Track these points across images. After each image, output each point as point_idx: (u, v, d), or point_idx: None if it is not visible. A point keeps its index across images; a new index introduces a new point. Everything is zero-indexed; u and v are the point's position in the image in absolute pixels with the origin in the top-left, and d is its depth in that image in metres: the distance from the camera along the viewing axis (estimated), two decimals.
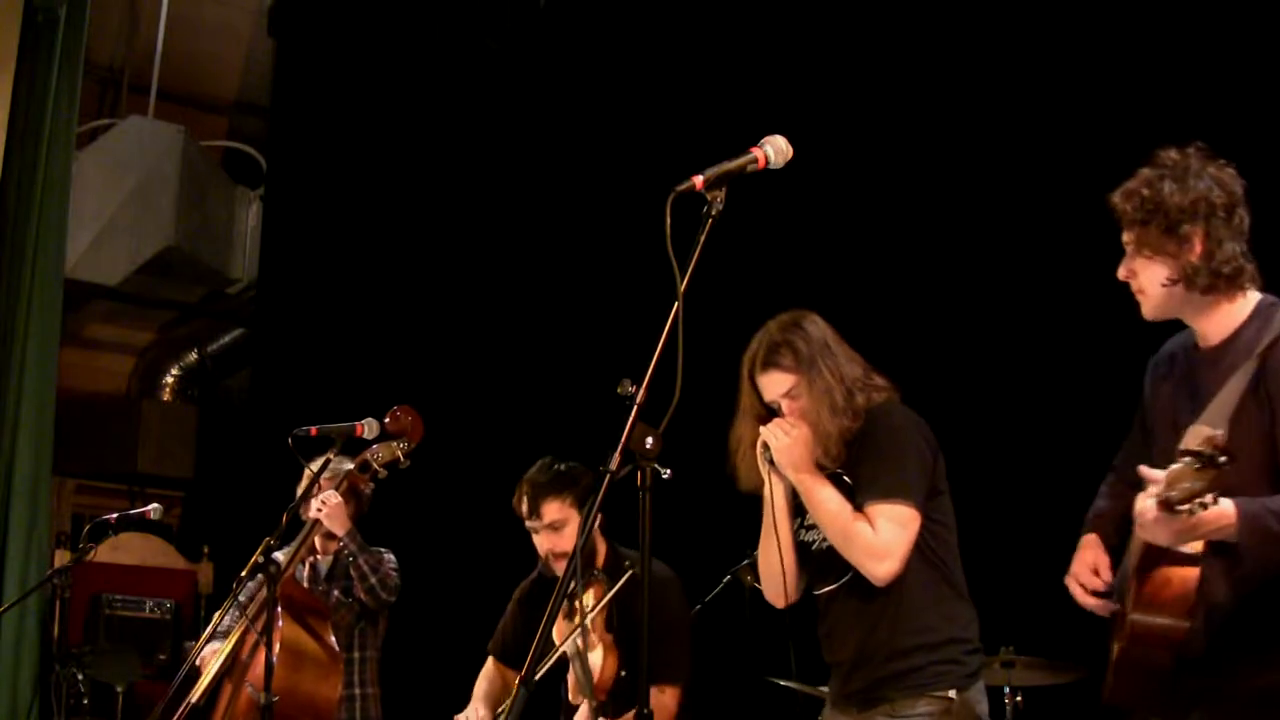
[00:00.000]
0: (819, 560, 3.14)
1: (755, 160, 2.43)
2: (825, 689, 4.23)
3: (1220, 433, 2.14)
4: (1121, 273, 2.62)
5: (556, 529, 3.79)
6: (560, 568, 3.80)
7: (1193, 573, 2.39)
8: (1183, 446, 2.17)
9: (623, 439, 2.26)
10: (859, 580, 3.02)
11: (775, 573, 3.16)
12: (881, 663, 3.00)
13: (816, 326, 3.15)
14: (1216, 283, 2.51)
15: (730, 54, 6.16)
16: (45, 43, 6.98)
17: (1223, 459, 2.09)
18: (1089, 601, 2.69)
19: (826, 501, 3.02)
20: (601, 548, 3.86)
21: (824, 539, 3.10)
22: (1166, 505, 2.15)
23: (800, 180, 2.86)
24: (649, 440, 2.28)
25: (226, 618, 4.23)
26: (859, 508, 3.00)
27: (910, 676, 2.97)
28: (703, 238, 2.32)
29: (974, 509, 3.26)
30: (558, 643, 3.59)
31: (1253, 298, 2.57)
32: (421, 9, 7.60)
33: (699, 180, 2.33)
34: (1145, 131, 4.71)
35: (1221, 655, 2.43)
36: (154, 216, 8.77)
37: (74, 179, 7.33)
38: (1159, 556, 2.42)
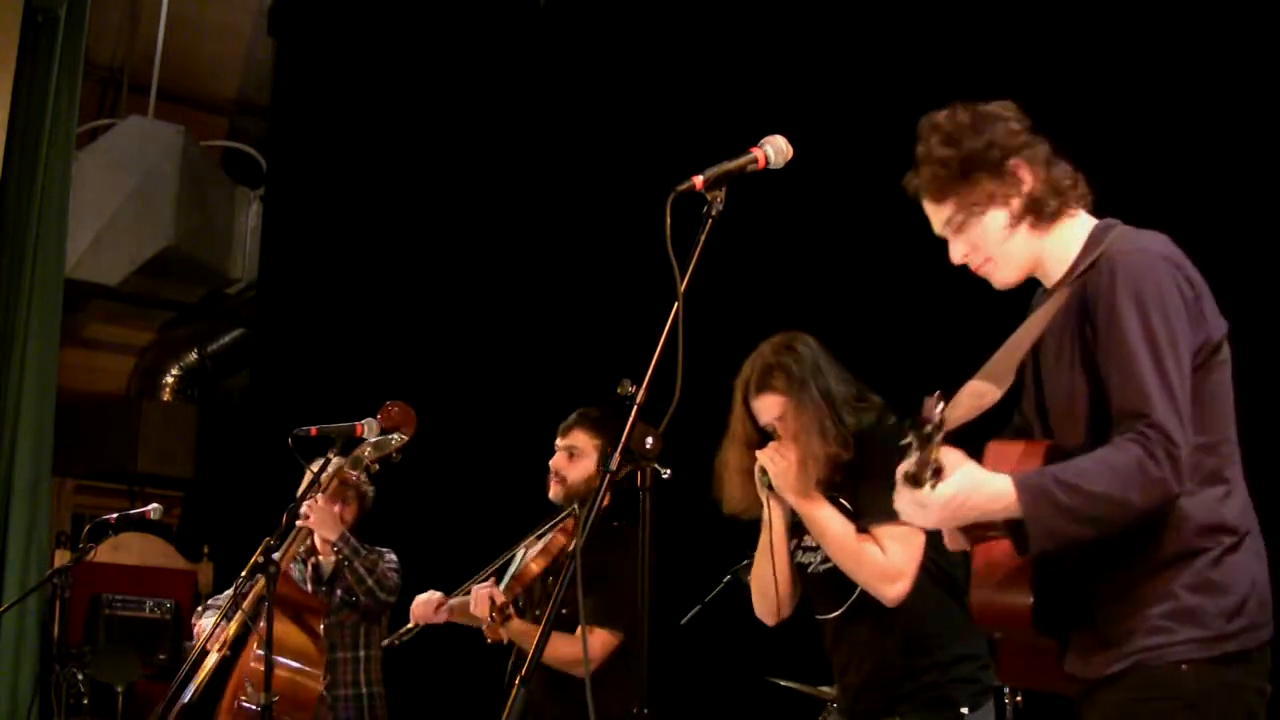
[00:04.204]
0: (818, 583, 3.12)
1: (755, 160, 2.42)
2: (825, 689, 4.25)
3: (937, 405, 2.02)
4: (957, 256, 2.42)
5: (572, 455, 4.01)
6: (555, 490, 4.00)
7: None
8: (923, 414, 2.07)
9: (623, 439, 2.26)
10: (864, 603, 3.01)
11: (770, 594, 3.15)
12: (895, 683, 2.99)
13: (808, 348, 3.12)
14: (1064, 201, 2.33)
15: (730, 54, 6.16)
16: (45, 43, 6.99)
17: (929, 428, 2.01)
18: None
19: (830, 524, 3.00)
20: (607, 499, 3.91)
21: (821, 562, 3.09)
22: (906, 480, 2.07)
23: (800, 180, 2.86)
24: (649, 440, 2.29)
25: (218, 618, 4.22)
26: (862, 530, 2.99)
27: (923, 694, 2.97)
28: (703, 238, 2.32)
29: None
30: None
31: (1085, 221, 2.38)
32: (421, 9, 7.60)
33: (699, 180, 2.33)
34: (1150, 140, 4.75)
35: (1068, 636, 2.29)
36: (154, 216, 8.78)
37: (74, 179, 7.34)
38: (985, 525, 2.25)
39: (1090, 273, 2.26)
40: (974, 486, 2.13)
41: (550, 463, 4.04)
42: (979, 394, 2.25)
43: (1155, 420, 2.11)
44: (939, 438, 2.04)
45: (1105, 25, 4.99)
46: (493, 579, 3.94)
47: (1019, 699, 4.27)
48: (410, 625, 4.12)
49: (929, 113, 2.46)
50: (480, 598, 3.79)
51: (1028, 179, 2.34)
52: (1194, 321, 2.21)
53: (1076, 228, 2.37)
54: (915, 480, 2.07)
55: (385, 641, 4.27)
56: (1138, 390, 2.14)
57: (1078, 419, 2.26)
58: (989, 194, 2.34)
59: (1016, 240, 2.36)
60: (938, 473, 2.06)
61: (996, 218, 2.36)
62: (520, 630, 3.75)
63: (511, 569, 3.98)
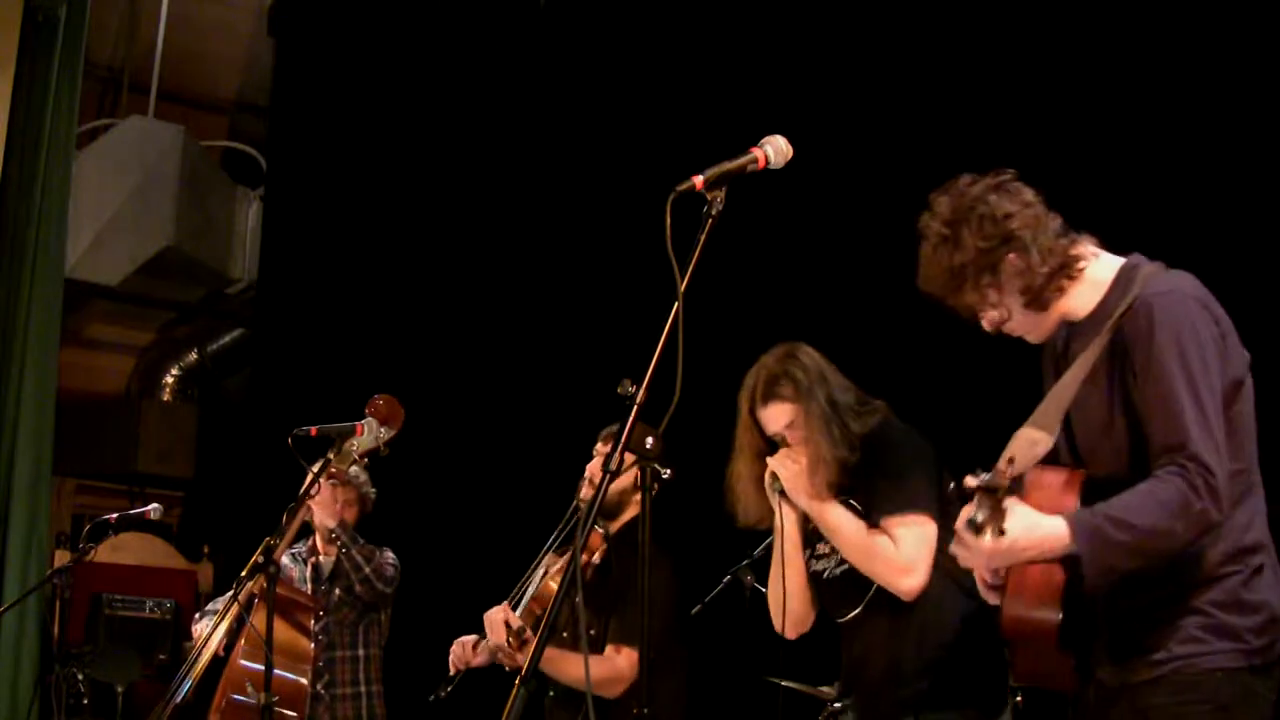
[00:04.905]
0: (834, 588, 3.14)
1: (755, 160, 2.43)
2: (825, 689, 4.25)
3: (1008, 466, 2.16)
4: (988, 328, 2.58)
5: None
6: (588, 493, 3.89)
7: (1056, 565, 2.37)
8: (1001, 460, 2.19)
9: (623, 439, 2.26)
10: (879, 600, 3.02)
11: (790, 604, 3.18)
12: (911, 680, 3.00)
13: (810, 357, 3.17)
14: (1054, 281, 2.47)
15: (730, 54, 6.16)
16: (45, 43, 6.98)
17: (999, 491, 2.13)
18: (986, 595, 2.65)
19: (843, 523, 3.03)
20: (628, 514, 3.90)
21: (836, 567, 3.11)
22: (970, 526, 2.17)
23: (801, 180, 2.86)
24: (649, 440, 2.29)
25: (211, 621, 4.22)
26: (874, 525, 3.00)
27: (937, 692, 2.98)
28: (703, 238, 2.32)
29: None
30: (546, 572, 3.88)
31: (1109, 263, 2.51)
32: (421, 9, 7.60)
33: (699, 180, 2.34)
34: (1154, 140, 4.74)
35: (1091, 648, 2.44)
36: (154, 216, 8.77)
37: (74, 179, 7.33)
38: None
39: (1127, 316, 2.36)
40: (1029, 529, 2.24)
41: (588, 466, 3.96)
42: (1033, 442, 2.31)
43: (1193, 452, 2.24)
44: (1008, 498, 2.16)
45: (1106, 26, 4.99)
46: (506, 604, 3.86)
47: (1019, 699, 4.26)
48: (453, 673, 4.01)
49: (919, 217, 2.57)
50: (495, 623, 3.70)
51: (1024, 266, 2.45)
52: (1223, 358, 2.35)
53: (1096, 271, 2.49)
54: (978, 529, 2.16)
55: (431, 696, 4.09)
56: (1177, 425, 2.27)
57: (1118, 452, 2.38)
58: (992, 292, 2.48)
59: (1034, 314, 2.51)
60: (1001, 531, 2.17)
61: (1009, 304, 2.50)
62: (547, 655, 3.53)
63: (530, 590, 3.91)
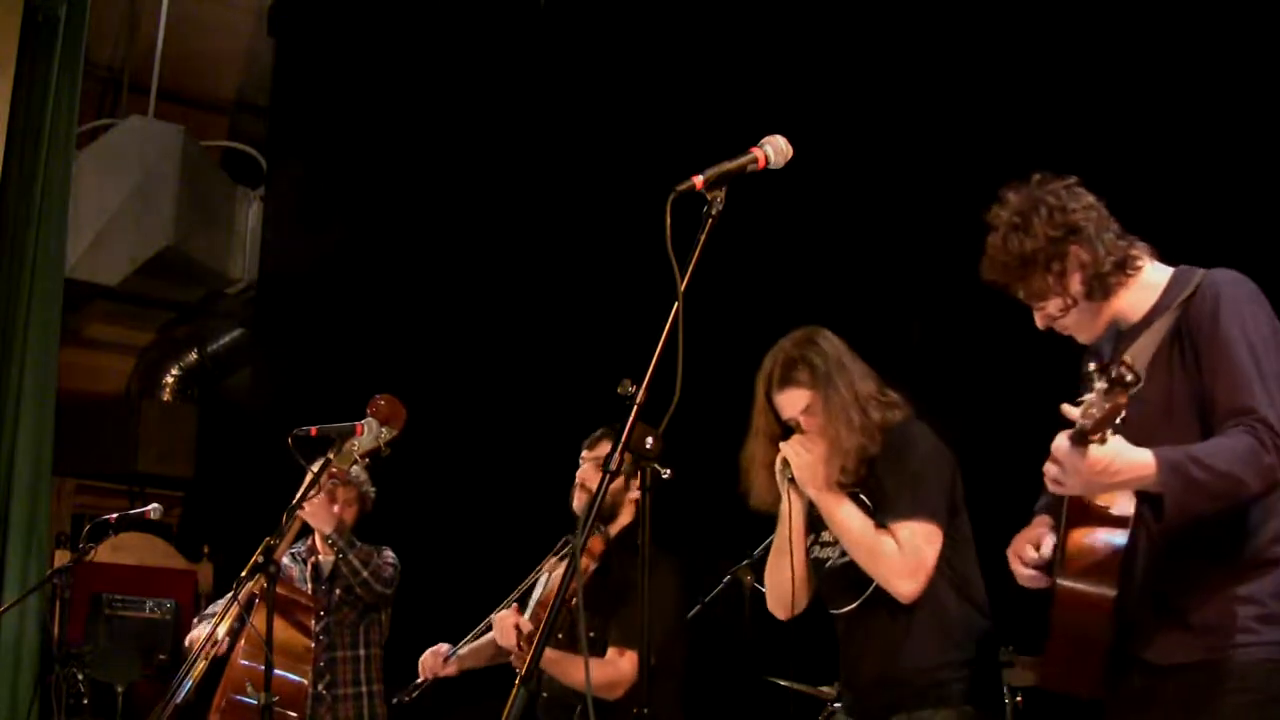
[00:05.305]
0: (835, 578, 3.12)
1: (755, 160, 2.44)
2: (825, 689, 4.25)
3: (1130, 360, 2.16)
4: (1041, 324, 2.70)
5: (599, 468, 3.91)
6: (581, 500, 3.91)
7: (1119, 535, 2.39)
8: (1126, 358, 2.20)
9: (622, 439, 2.26)
10: (878, 597, 3.01)
11: (786, 588, 3.17)
12: (905, 680, 2.99)
13: (830, 342, 3.14)
14: (1116, 274, 2.60)
15: (730, 54, 6.16)
16: (45, 43, 6.98)
17: (1130, 378, 2.10)
18: (1023, 573, 2.66)
19: (849, 519, 3.02)
20: (624, 518, 3.90)
21: (840, 556, 3.09)
22: (1078, 436, 2.17)
23: (800, 180, 2.86)
24: (649, 440, 2.29)
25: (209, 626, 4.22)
26: (880, 525, 3.00)
27: (931, 691, 2.97)
28: (703, 237, 2.33)
29: (974, 509, 3.26)
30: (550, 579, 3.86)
31: (1162, 269, 2.65)
32: (421, 9, 7.60)
33: (699, 180, 2.34)
34: (1156, 135, 4.73)
35: (1139, 628, 2.47)
36: (154, 216, 8.78)
37: (74, 179, 7.34)
38: (1084, 515, 2.42)
39: (1193, 299, 2.51)
40: (1120, 453, 2.27)
41: (578, 474, 3.97)
42: None
43: (1261, 415, 2.34)
44: (1133, 391, 2.15)
45: (1113, 29, 4.98)
46: (515, 606, 3.85)
47: (1019, 699, 4.27)
48: (420, 680, 4.05)
49: (989, 208, 2.70)
50: (505, 627, 3.69)
51: (1089, 258, 2.60)
52: (1278, 349, 2.46)
53: (1150, 275, 2.63)
54: (1084, 437, 2.16)
55: (395, 699, 4.16)
56: (1245, 390, 2.38)
57: (1182, 435, 2.44)
58: (1053, 280, 2.61)
59: (1090, 308, 2.63)
60: (1113, 431, 2.17)
61: (1074, 293, 2.62)
62: (550, 658, 3.61)
63: (536, 595, 3.92)
